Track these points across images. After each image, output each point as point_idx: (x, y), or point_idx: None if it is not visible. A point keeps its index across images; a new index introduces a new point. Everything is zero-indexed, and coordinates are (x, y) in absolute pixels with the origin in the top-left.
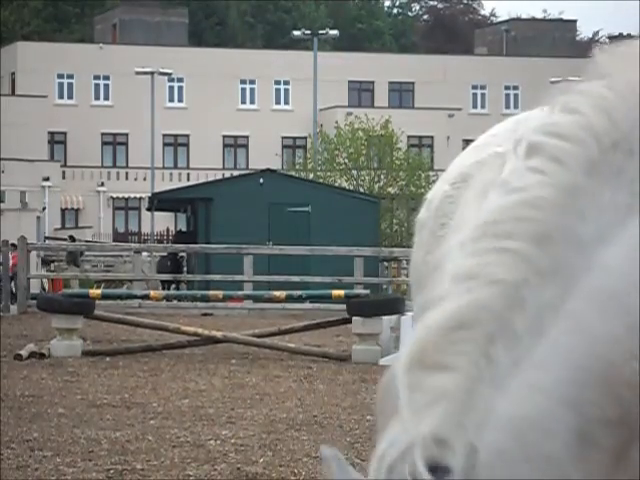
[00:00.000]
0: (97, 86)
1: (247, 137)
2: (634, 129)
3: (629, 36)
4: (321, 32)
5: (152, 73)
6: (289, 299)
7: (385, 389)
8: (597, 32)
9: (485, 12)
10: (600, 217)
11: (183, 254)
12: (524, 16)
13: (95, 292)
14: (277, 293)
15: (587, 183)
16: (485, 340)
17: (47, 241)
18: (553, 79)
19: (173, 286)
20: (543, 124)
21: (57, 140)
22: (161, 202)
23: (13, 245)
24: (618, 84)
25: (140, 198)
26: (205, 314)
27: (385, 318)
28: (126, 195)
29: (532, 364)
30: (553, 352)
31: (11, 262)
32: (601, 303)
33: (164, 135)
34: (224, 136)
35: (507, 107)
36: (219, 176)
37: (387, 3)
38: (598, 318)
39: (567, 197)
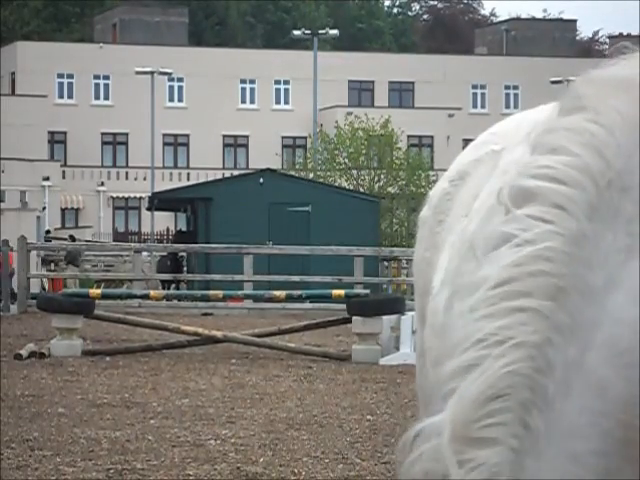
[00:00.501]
0: (97, 86)
1: (247, 137)
2: (626, 165)
3: (629, 36)
4: (321, 32)
5: (152, 73)
6: (289, 299)
7: (421, 460)
8: (597, 32)
9: (485, 12)
10: (605, 263)
11: (183, 254)
12: (524, 16)
13: (95, 292)
14: (277, 293)
15: (590, 229)
16: (520, 408)
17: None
18: (553, 79)
19: (173, 286)
20: (533, 166)
21: (57, 140)
22: (161, 202)
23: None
24: (604, 117)
25: (140, 198)
26: (205, 314)
27: (385, 318)
28: (126, 195)
29: (565, 431)
30: (582, 417)
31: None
32: (614, 359)
33: (164, 135)
34: (224, 136)
35: (507, 107)
36: (219, 176)
37: (387, 3)
38: (614, 375)
39: (575, 246)
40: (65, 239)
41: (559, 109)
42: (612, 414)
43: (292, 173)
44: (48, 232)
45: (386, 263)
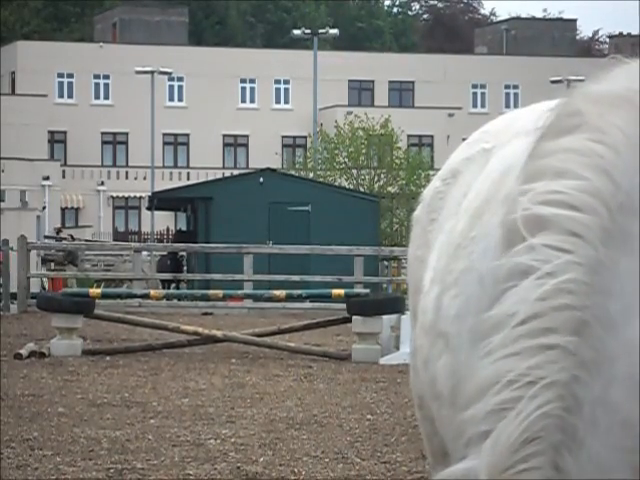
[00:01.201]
0: (97, 85)
1: (247, 136)
2: (631, 185)
3: (629, 35)
4: (321, 31)
5: (152, 72)
6: (289, 298)
7: None
8: (597, 31)
9: (485, 11)
10: (622, 291)
11: (183, 253)
12: (524, 15)
13: (95, 291)
14: (277, 292)
15: (606, 255)
16: (552, 451)
17: (47, 240)
18: (553, 79)
19: (173, 285)
20: (544, 192)
21: (57, 139)
22: (161, 201)
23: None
24: (608, 137)
25: (140, 197)
26: (205, 313)
27: (385, 317)
28: (126, 194)
29: (595, 470)
30: (610, 455)
31: None
32: (636, 392)
33: (164, 134)
34: (224, 135)
35: (507, 106)
36: (219, 175)
37: (387, 2)
38: (637, 410)
39: (594, 275)
40: (65, 239)
41: (556, 127)
42: (636, 446)
43: (292, 173)
44: (59, 231)
45: (386, 263)
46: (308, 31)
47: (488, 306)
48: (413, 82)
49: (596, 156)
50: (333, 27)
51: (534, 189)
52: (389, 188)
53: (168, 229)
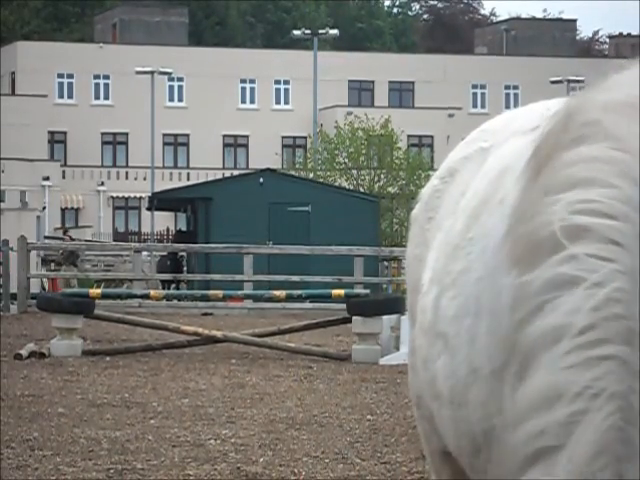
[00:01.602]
0: (97, 86)
1: (247, 137)
2: None
3: (629, 35)
4: (321, 32)
5: (152, 73)
6: (289, 299)
7: None
8: (597, 32)
9: (485, 11)
10: None
11: (183, 254)
12: (524, 15)
13: (95, 291)
14: (277, 293)
15: None
16: (617, 463)
17: (47, 240)
18: (553, 79)
19: (173, 286)
20: (576, 201)
21: (57, 140)
22: (161, 202)
23: None
24: (627, 144)
25: (140, 198)
26: (205, 314)
27: (385, 318)
28: (126, 195)
29: None
30: None
31: None
32: None
33: (164, 135)
34: (224, 136)
35: (507, 107)
36: (219, 176)
37: (387, 2)
38: None
39: (636, 283)
40: (64, 239)
41: (570, 135)
42: None
43: (292, 173)
44: (66, 231)
45: (386, 263)
46: (308, 31)
47: (523, 317)
48: (413, 82)
49: (621, 163)
50: (333, 27)
51: (564, 199)
52: (389, 188)
53: (168, 229)
